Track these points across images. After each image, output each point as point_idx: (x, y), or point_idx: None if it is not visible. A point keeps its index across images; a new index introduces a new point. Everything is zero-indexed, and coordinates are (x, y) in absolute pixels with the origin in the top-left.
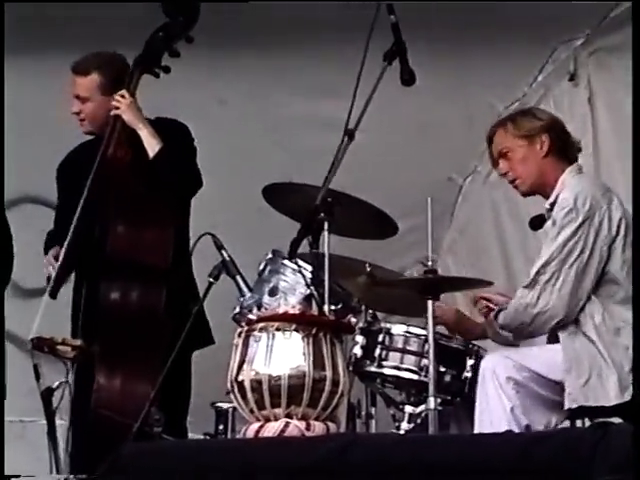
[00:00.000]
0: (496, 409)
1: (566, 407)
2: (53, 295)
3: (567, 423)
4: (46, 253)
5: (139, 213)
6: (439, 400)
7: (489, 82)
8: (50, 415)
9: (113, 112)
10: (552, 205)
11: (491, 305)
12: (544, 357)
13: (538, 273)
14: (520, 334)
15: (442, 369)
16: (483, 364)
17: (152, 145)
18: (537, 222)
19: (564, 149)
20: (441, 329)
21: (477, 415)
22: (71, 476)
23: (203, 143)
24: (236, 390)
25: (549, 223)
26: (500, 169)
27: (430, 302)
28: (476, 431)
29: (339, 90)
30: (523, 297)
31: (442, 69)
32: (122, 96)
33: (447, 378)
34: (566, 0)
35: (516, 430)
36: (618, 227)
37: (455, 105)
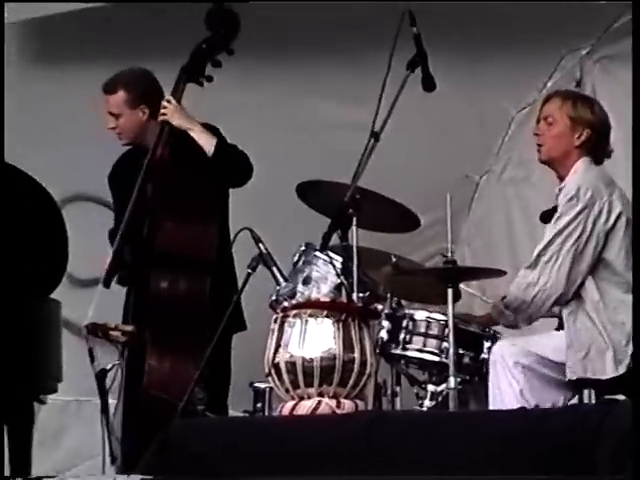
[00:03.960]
0: (507, 392)
1: (567, 378)
2: (107, 285)
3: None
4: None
5: (185, 210)
6: (459, 379)
7: (503, 89)
8: (103, 395)
9: (160, 118)
10: (560, 190)
11: None
12: (549, 342)
13: (539, 255)
14: (521, 314)
15: (461, 351)
16: (493, 352)
17: (208, 140)
18: (547, 216)
19: (595, 149)
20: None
21: (491, 399)
22: (123, 476)
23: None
24: (273, 371)
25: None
26: (537, 128)
27: (450, 289)
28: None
29: (367, 96)
30: (525, 277)
31: (459, 76)
32: (168, 101)
33: (466, 359)
34: (578, 0)
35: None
36: (617, 218)
37: (471, 109)
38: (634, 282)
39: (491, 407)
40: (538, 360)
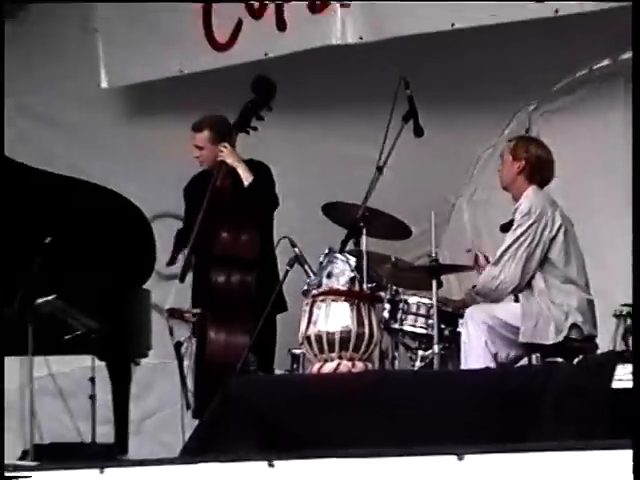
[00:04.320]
0: (474, 342)
1: (519, 340)
2: (182, 280)
3: (526, 359)
4: (175, 244)
5: (234, 223)
6: (441, 346)
7: (473, 134)
8: (180, 360)
9: (218, 158)
10: (516, 209)
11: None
12: (508, 309)
13: (501, 255)
14: (487, 299)
15: (443, 326)
16: (466, 313)
17: (247, 177)
18: (505, 227)
19: (533, 176)
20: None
21: (462, 347)
22: None
23: (285, 177)
24: (305, 341)
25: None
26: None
27: (434, 281)
28: (462, 356)
29: (375, 138)
30: (490, 271)
31: (442, 125)
32: (225, 147)
33: (446, 332)
34: (581, 0)
35: (488, 355)
36: (558, 229)
37: (451, 150)
38: (634, 282)
39: (462, 354)
40: (499, 322)
